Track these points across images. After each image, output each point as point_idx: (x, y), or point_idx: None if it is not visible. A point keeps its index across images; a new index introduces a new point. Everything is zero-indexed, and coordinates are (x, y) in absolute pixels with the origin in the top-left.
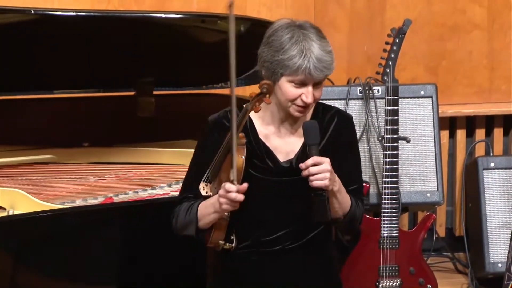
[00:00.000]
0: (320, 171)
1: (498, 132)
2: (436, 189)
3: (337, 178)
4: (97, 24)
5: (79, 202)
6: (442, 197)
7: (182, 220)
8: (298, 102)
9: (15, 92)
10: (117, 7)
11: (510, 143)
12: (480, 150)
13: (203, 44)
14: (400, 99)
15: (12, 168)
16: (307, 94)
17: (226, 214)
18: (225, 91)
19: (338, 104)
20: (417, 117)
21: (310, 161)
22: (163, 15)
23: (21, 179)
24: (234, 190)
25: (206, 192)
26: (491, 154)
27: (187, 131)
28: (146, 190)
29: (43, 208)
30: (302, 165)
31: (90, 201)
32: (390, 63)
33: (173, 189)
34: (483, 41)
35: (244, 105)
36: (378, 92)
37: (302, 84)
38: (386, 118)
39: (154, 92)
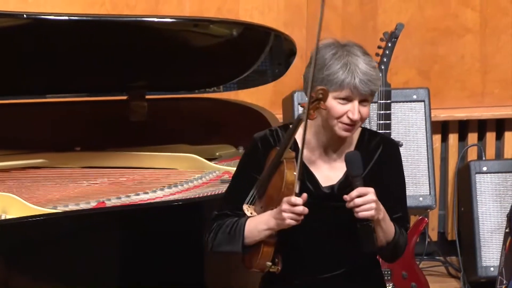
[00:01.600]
0: (366, 202)
1: (490, 136)
2: (428, 193)
3: (381, 207)
4: (90, 28)
5: (72, 207)
6: (435, 201)
7: (225, 236)
8: (344, 119)
9: (7, 97)
10: (110, 12)
11: (503, 147)
12: (472, 154)
13: (195, 48)
14: (392, 103)
15: (5, 172)
16: (353, 111)
17: (273, 233)
18: (218, 95)
19: None
20: (409, 121)
21: (354, 192)
22: (155, 19)
23: (13, 184)
24: (300, 203)
25: (251, 213)
26: (484, 158)
27: (179, 136)
28: (138, 195)
29: (35, 212)
30: (346, 197)
31: (83, 206)
32: (383, 67)
33: (165, 194)
34: (476, 45)
35: (298, 115)
36: None
37: (348, 100)
38: (379, 122)
39: (147, 97)
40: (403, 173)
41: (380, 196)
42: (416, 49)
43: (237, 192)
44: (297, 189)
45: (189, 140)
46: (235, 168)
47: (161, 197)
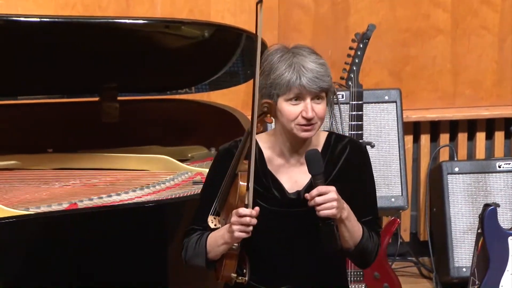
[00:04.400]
0: (326, 200)
1: (462, 137)
2: (400, 194)
3: (345, 205)
4: (61, 29)
5: (44, 208)
6: (407, 202)
7: (192, 252)
8: (300, 120)
9: None
10: (81, 13)
11: (474, 148)
12: (444, 155)
13: (167, 49)
14: (364, 104)
15: None
16: (306, 110)
17: (236, 245)
18: (190, 96)
19: None
20: (381, 122)
21: (315, 191)
22: (127, 21)
23: None
24: (248, 214)
25: (215, 225)
26: (455, 159)
27: (151, 137)
28: (110, 196)
29: (7, 214)
30: (307, 195)
31: (55, 207)
32: (354, 68)
33: (137, 195)
34: (447, 46)
35: (247, 128)
36: (343, 97)
37: (299, 100)
38: (351, 123)
39: (118, 98)
40: (372, 176)
41: (349, 199)
42: (387, 50)
43: (204, 205)
44: (246, 200)
45: (161, 142)
46: (207, 169)
47: (133, 199)
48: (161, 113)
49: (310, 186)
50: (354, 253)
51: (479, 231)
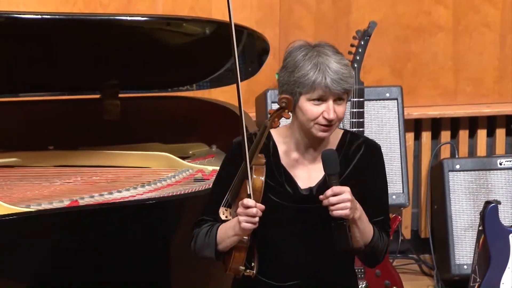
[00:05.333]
0: (341, 200)
1: (463, 134)
2: (401, 191)
3: (358, 206)
4: (62, 27)
5: (45, 205)
6: (408, 199)
7: (201, 243)
8: (321, 120)
9: None
10: (82, 10)
11: (475, 145)
12: (445, 152)
13: (168, 46)
14: (365, 101)
15: None
16: (328, 111)
17: (245, 237)
18: (191, 93)
19: None
20: (382, 119)
21: (329, 191)
22: (128, 18)
23: None
24: (253, 205)
25: (226, 217)
26: (457, 156)
27: (152, 134)
28: (112, 193)
29: (8, 211)
30: (321, 196)
31: (56, 204)
32: (356, 65)
33: (139, 192)
34: (448, 43)
35: (264, 122)
36: None
37: (321, 100)
38: (352, 120)
39: (120, 95)
40: (385, 177)
41: (361, 198)
42: (389, 47)
43: (216, 197)
44: (249, 191)
45: (163, 139)
46: (208, 167)
47: (134, 196)
48: (162, 111)
49: (323, 183)
50: (364, 252)
51: (480, 228)
